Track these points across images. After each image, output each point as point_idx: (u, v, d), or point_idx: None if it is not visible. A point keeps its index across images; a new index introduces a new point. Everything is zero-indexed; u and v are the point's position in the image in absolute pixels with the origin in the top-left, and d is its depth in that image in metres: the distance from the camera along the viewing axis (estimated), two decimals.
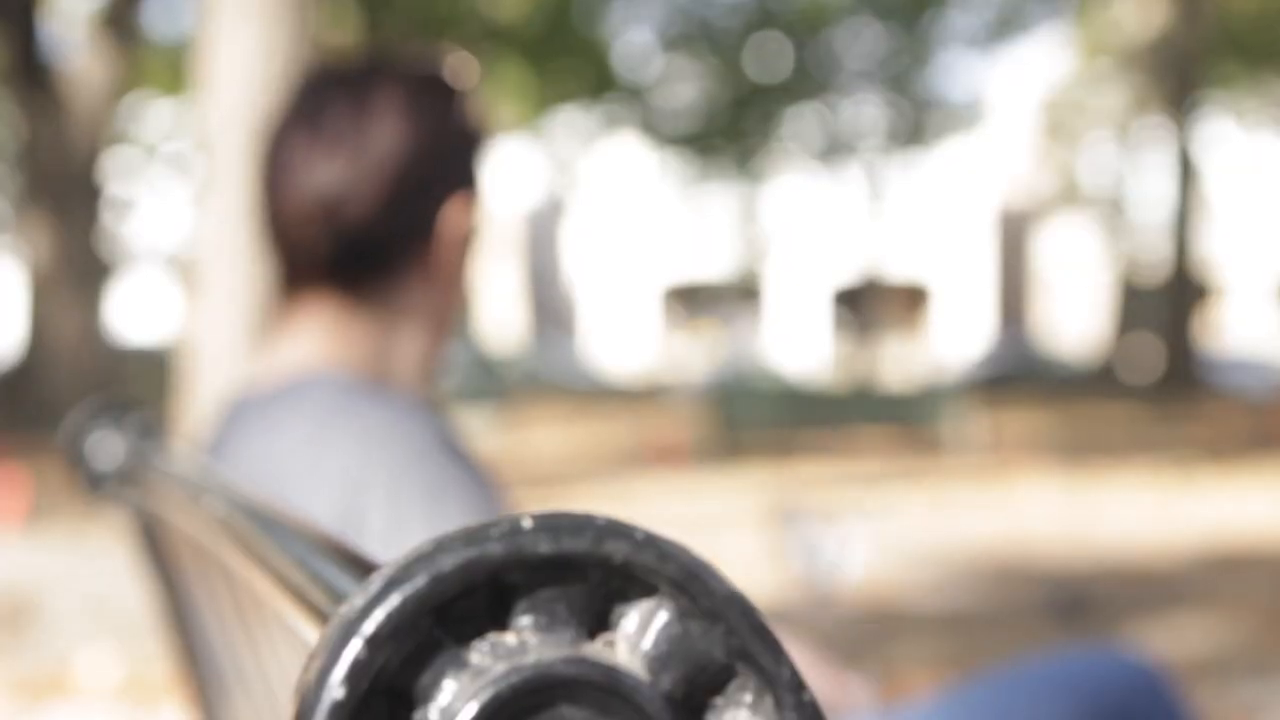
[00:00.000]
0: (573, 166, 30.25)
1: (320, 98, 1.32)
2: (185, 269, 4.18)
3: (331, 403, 1.22)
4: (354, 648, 0.33)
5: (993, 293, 40.16)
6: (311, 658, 0.34)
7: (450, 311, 1.39)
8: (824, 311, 39.56)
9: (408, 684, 0.34)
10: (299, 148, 1.30)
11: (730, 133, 26.80)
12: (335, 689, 0.33)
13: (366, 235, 1.29)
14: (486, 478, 1.24)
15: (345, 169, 1.28)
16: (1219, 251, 37.09)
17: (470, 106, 1.37)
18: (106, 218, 18.76)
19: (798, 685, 0.35)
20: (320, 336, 1.31)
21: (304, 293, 1.32)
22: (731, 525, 7.74)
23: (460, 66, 1.41)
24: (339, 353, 1.31)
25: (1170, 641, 4.71)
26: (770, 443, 11.73)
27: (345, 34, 16.61)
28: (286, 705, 0.88)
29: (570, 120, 27.86)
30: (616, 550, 0.35)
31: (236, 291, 3.73)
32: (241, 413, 1.31)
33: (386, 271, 1.32)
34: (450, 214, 1.33)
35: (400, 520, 1.15)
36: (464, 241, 1.37)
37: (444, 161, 1.33)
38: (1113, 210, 25.39)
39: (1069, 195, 34.17)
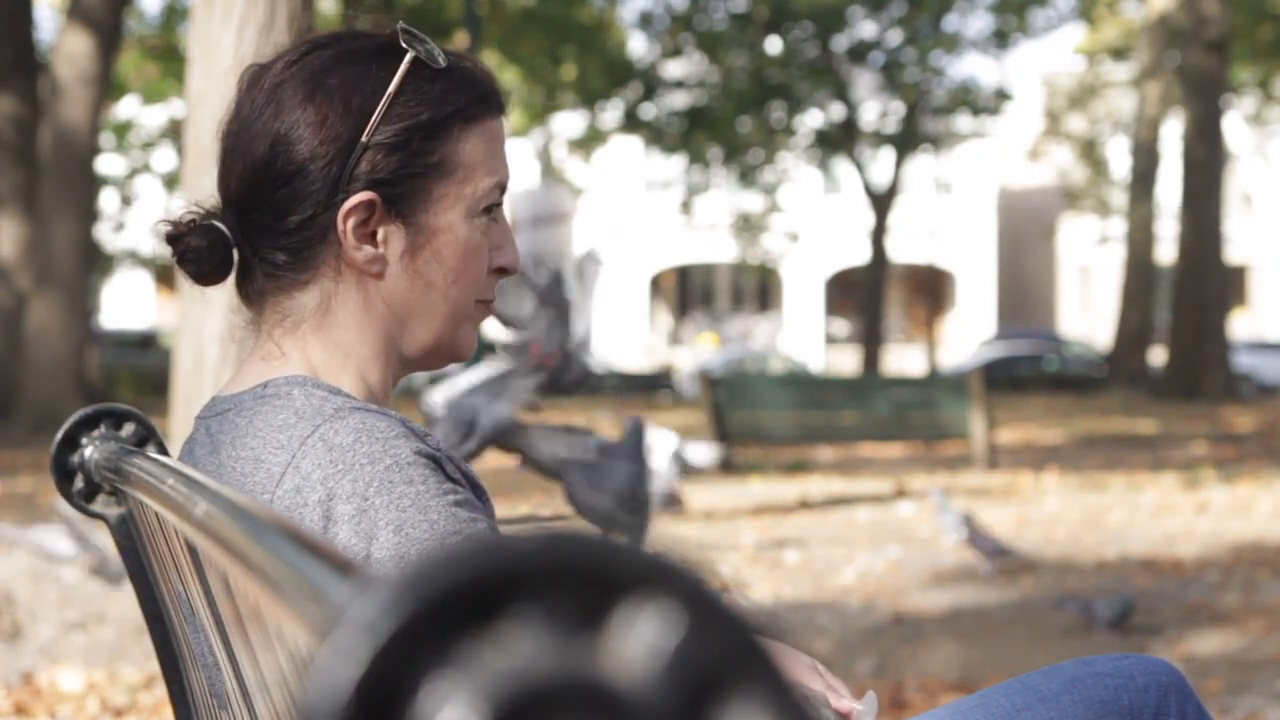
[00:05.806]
0: (570, 163, 30.26)
1: (305, 53, 1.24)
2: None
3: (296, 413, 1.17)
4: (357, 660, 0.34)
5: (999, 283, 40.07)
6: (312, 669, 0.35)
7: (451, 315, 1.27)
8: (829, 301, 39.56)
9: (407, 694, 0.34)
10: (270, 96, 1.22)
11: (733, 126, 26.72)
12: (338, 700, 0.34)
13: (310, 198, 1.20)
14: (470, 485, 1.19)
15: (312, 120, 1.19)
16: (1249, 238, 36.11)
17: (467, 90, 1.25)
18: (100, 210, 18.84)
19: (794, 698, 0.35)
20: (289, 332, 1.26)
21: (272, 283, 1.26)
22: (731, 527, 7.74)
23: (461, 48, 1.33)
24: (305, 354, 1.24)
25: (1185, 647, 4.70)
26: (771, 437, 11.70)
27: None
28: (281, 710, 0.87)
29: (569, 117, 27.87)
30: (613, 562, 0.35)
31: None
32: (210, 420, 1.26)
33: (366, 258, 1.22)
34: (437, 205, 1.24)
35: (369, 536, 1.10)
36: (459, 238, 1.25)
37: (426, 137, 1.21)
38: (1128, 197, 24.08)
39: (1081, 182, 33.35)
